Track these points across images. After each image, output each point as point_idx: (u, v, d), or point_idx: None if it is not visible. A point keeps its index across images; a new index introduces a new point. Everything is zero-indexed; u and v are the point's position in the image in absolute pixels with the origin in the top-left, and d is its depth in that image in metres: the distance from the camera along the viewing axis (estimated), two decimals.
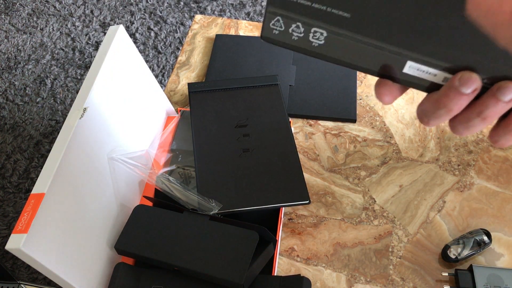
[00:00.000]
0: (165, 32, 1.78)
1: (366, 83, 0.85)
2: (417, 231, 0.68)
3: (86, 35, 1.77)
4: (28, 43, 1.70)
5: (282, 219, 0.68)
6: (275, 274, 0.62)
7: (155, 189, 0.69)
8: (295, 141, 0.74)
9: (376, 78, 0.82)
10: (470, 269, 0.62)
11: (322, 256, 0.67)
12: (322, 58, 0.29)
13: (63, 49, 1.80)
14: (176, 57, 1.12)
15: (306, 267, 0.66)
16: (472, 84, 0.26)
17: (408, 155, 0.76)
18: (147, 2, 1.89)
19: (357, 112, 0.81)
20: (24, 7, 1.89)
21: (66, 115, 0.56)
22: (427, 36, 0.27)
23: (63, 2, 1.94)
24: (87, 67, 1.69)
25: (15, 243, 0.43)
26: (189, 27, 1.07)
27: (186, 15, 1.82)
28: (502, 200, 0.71)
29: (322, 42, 0.29)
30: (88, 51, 1.70)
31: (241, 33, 0.94)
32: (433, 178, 0.73)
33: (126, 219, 0.63)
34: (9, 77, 1.64)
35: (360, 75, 0.86)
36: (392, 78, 0.29)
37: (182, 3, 1.88)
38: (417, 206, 0.71)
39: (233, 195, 0.63)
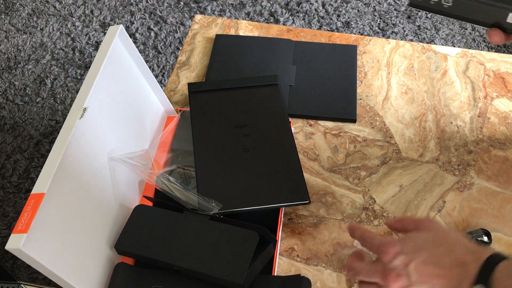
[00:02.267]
0: (165, 32, 1.78)
1: (366, 83, 0.85)
2: None
3: (86, 35, 1.77)
4: (28, 43, 1.70)
5: (282, 219, 0.68)
6: (275, 274, 0.62)
7: (155, 189, 0.69)
8: (295, 141, 0.74)
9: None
10: None
11: (322, 256, 0.67)
12: (449, 16, 0.48)
13: (63, 49, 1.79)
14: (176, 57, 1.12)
15: (306, 267, 0.66)
16: None
17: (408, 155, 0.76)
18: (147, 2, 1.89)
19: (357, 112, 0.81)
20: (24, 7, 1.89)
21: (66, 115, 0.57)
22: None
23: (63, 2, 1.93)
24: (87, 67, 1.69)
25: (15, 243, 0.43)
26: (189, 27, 1.07)
27: (186, 15, 1.82)
28: (502, 200, 0.71)
29: (450, 4, 0.47)
30: (88, 51, 1.70)
31: (241, 33, 0.94)
32: (433, 178, 0.73)
33: (126, 219, 0.63)
34: (9, 77, 1.64)
35: (360, 75, 0.86)
36: (500, 27, 0.46)
37: (182, 3, 1.87)
38: (417, 206, 0.71)
39: (233, 195, 0.63)
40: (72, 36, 1.69)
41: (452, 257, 0.43)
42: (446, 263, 0.43)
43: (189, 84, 0.77)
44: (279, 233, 0.65)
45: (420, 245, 0.44)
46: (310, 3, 1.80)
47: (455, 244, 0.44)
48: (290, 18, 1.75)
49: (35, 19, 1.73)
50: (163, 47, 1.64)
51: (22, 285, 0.87)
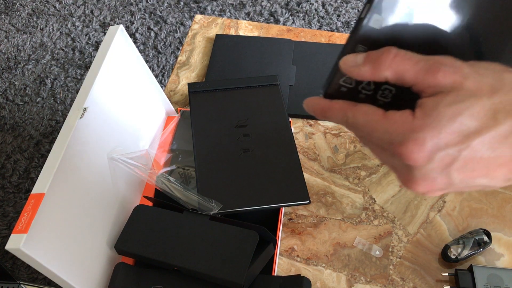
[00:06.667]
0: (165, 32, 1.78)
1: None
2: (417, 231, 0.68)
3: (86, 35, 1.77)
4: (28, 43, 1.70)
5: (282, 219, 0.68)
6: (275, 274, 0.62)
7: (155, 189, 0.69)
8: (295, 141, 0.74)
9: None
10: (470, 269, 0.62)
11: (322, 256, 0.67)
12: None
13: (63, 49, 1.80)
14: (176, 57, 1.12)
15: (306, 267, 0.66)
16: None
17: None
18: (147, 2, 1.89)
19: None
20: (24, 7, 1.89)
21: (66, 115, 0.57)
22: None
23: (63, 2, 1.94)
24: (87, 67, 1.69)
25: (15, 243, 0.43)
26: (189, 27, 1.06)
27: (186, 15, 1.82)
28: (502, 200, 0.71)
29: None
30: (88, 51, 1.70)
31: (241, 33, 0.94)
32: None
33: (126, 219, 0.63)
34: (9, 77, 1.64)
35: None
36: None
37: (182, 3, 1.88)
38: (417, 206, 0.71)
39: (233, 195, 0.63)
40: (72, 36, 1.69)
41: None
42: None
43: (189, 84, 0.77)
44: (279, 233, 0.65)
45: (467, 127, 0.26)
46: (310, 3, 1.80)
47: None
48: (290, 18, 1.75)
49: (35, 19, 1.73)
50: (163, 47, 1.64)
51: (22, 285, 0.87)
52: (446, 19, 0.31)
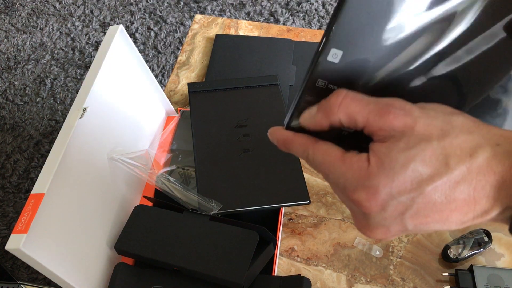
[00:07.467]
0: (165, 32, 1.78)
1: None
2: None
3: (86, 35, 1.77)
4: (28, 43, 1.70)
5: (282, 219, 0.68)
6: (275, 274, 0.62)
7: (155, 189, 0.69)
8: None
9: None
10: (470, 269, 0.62)
11: (322, 256, 0.67)
12: None
13: (63, 49, 1.80)
14: (176, 57, 1.12)
15: (306, 267, 0.66)
16: None
17: None
18: (147, 2, 1.89)
19: None
20: (24, 7, 1.89)
21: (66, 115, 0.57)
22: None
23: (63, 2, 1.94)
24: (87, 67, 1.69)
25: (15, 243, 0.43)
26: (189, 27, 1.06)
27: (186, 15, 1.82)
28: None
29: None
30: (88, 51, 1.70)
31: (241, 33, 0.94)
32: None
33: (126, 219, 0.63)
34: (9, 77, 1.63)
35: None
36: None
37: (182, 3, 1.88)
38: None
39: (233, 195, 0.63)
40: (72, 36, 1.69)
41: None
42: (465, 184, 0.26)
43: (189, 84, 0.77)
44: (279, 233, 0.65)
45: (420, 174, 0.26)
46: (310, 3, 1.80)
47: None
48: (290, 18, 1.75)
49: (35, 19, 1.73)
50: (163, 47, 1.64)
51: (22, 285, 0.87)
52: (417, 61, 0.29)
